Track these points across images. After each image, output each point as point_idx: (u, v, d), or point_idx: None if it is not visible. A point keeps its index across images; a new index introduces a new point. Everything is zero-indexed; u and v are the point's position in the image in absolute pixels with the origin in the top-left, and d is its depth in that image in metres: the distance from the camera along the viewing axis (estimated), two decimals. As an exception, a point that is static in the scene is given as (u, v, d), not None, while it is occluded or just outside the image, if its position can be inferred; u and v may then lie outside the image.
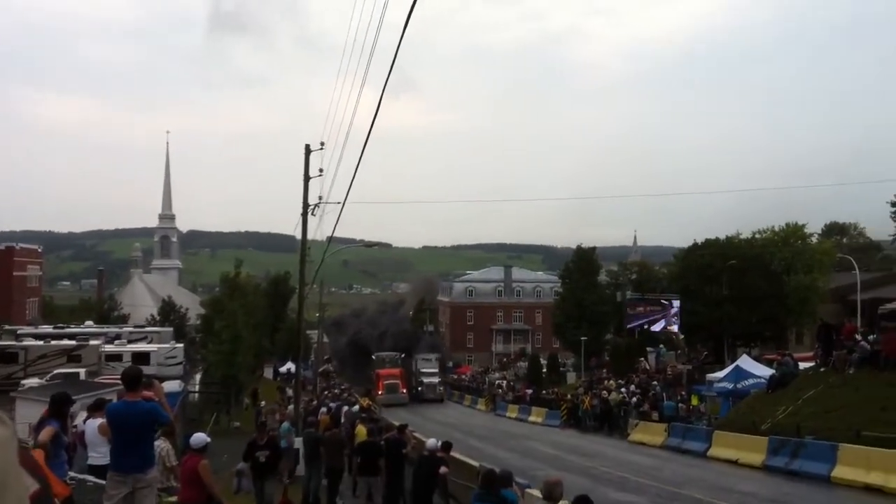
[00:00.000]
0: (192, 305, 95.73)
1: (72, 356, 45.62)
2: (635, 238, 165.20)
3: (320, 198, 29.47)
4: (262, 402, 45.11)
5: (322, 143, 28.52)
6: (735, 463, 25.84)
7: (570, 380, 74.60)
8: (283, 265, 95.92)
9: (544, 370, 79.06)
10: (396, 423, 21.73)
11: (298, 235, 30.82)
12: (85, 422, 13.79)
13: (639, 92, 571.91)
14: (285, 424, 25.40)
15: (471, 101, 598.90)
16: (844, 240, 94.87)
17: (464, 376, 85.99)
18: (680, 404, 41.39)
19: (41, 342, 48.52)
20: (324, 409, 33.24)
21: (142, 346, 51.05)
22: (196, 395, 48.27)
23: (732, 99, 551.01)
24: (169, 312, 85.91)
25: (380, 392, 59.82)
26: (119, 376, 10.79)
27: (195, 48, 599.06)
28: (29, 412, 19.97)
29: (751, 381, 36.57)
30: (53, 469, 8.94)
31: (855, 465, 20.63)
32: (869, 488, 19.65)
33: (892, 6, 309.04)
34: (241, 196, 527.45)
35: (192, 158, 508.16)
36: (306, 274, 32.59)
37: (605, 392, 45.31)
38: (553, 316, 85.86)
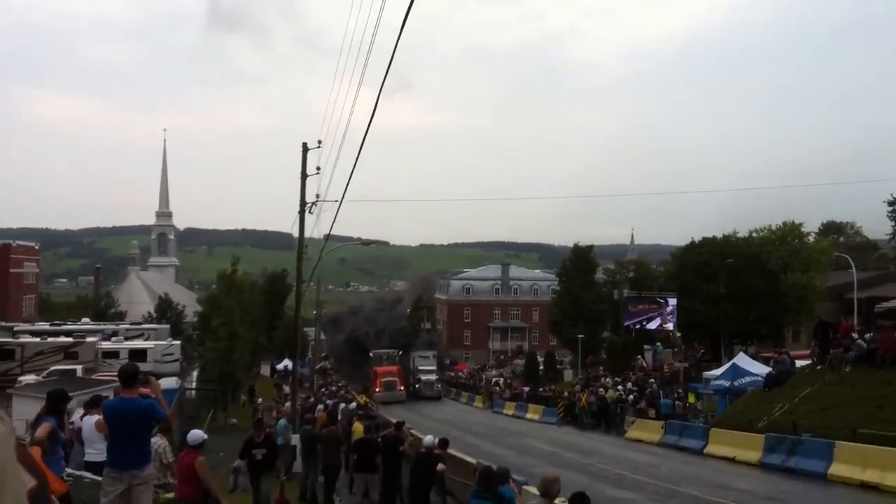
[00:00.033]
0: (189, 303, 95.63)
1: (68, 353, 45.54)
2: (632, 236, 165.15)
3: (317, 196, 29.49)
4: (259, 400, 45.12)
5: (319, 142, 28.54)
6: (732, 460, 25.87)
7: (567, 377, 74.66)
8: (280, 263, 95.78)
9: (541, 368, 79.08)
10: (394, 421, 21.75)
11: (296, 233, 30.82)
12: (82, 418, 13.78)
13: (637, 92, 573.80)
14: (282, 421, 25.41)
15: (469, 100, 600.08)
16: (841, 238, 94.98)
17: (461, 374, 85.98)
18: (677, 402, 41.42)
19: (38, 339, 48.44)
20: (321, 407, 33.31)
21: (138, 343, 51.01)
22: (193, 392, 48.29)
23: (731, 99, 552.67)
24: (166, 310, 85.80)
25: (377, 389, 59.83)
26: (116, 373, 10.77)
27: (193, 47, 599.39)
28: (26, 409, 19.96)
29: (747, 378, 36.60)
30: (50, 466, 8.93)
31: (851, 463, 20.67)
32: (865, 486, 19.69)
33: (892, 6, 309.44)
34: (239, 194, 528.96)
35: (189, 156, 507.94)
36: (303, 271, 32.61)
37: (602, 389, 45.36)
38: (550, 314, 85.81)
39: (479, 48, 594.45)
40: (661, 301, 70.15)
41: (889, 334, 28.14)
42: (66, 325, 56.27)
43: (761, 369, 36.83)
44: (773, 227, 70.30)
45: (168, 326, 66.83)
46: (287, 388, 44.36)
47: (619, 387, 46.13)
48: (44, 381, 31.93)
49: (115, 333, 53.87)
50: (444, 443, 17.24)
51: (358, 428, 21.97)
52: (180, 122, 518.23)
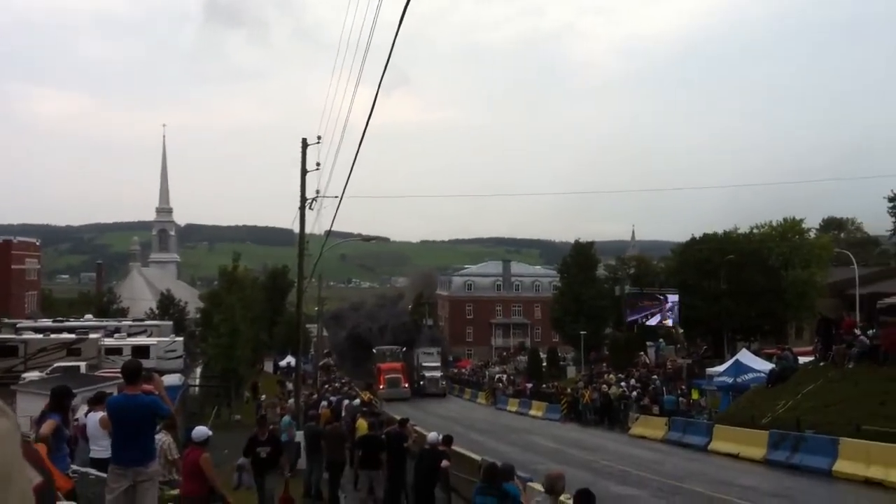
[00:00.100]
0: (191, 299, 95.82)
1: (71, 350, 45.65)
2: (633, 233, 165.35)
3: (318, 192, 29.44)
4: (263, 396, 45.11)
5: (319, 138, 28.49)
6: (736, 457, 25.85)
7: (569, 374, 74.62)
8: (281, 259, 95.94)
9: (544, 364, 79.05)
10: (398, 417, 21.74)
11: (296, 229, 30.81)
12: (86, 415, 13.75)
13: (637, 89, 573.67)
14: (286, 418, 25.38)
15: (469, 97, 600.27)
16: (842, 235, 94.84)
17: (464, 370, 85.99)
18: (680, 398, 41.41)
19: (41, 335, 48.51)
20: (324, 403, 33.22)
21: (141, 340, 51.13)
22: (196, 388, 48.31)
23: (731, 96, 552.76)
24: (168, 306, 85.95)
25: (381, 386, 59.03)
26: (119, 370, 10.78)
27: (192, 44, 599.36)
28: (30, 406, 19.96)
29: (750, 375, 36.57)
30: (55, 462, 8.91)
31: (855, 460, 20.64)
32: (869, 482, 19.66)
33: (892, 4, 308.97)
34: (239, 190, 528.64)
35: (189, 152, 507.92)
36: (305, 268, 32.59)
37: (605, 386, 45.31)
38: (551, 310, 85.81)
39: (479, 45, 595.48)
40: (661, 297, 70.14)
41: (892, 330, 28.09)
42: (69, 321, 56.28)
43: (764, 366, 36.79)
44: (774, 224, 70.27)
45: (171, 323, 66.97)
46: (290, 385, 44.32)
47: (623, 383, 46.06)
48: (47, 378, 32.04)
49: (117, 330, 53.97)
50: (448, 439, 17.21)
51: (362, 424, 21.91)
52: (180, 119, 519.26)
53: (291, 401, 33.99)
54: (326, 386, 58.00)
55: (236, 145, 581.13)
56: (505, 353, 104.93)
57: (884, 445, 20.12)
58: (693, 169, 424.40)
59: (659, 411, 38.33)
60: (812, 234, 73.58)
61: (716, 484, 20.52)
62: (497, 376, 72.02)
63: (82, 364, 41.58)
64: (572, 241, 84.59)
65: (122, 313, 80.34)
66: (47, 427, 9.80)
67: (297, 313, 35.51)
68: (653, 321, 69.96)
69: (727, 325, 63.44)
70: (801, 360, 34.17)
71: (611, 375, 52.52)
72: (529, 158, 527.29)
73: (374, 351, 69.64)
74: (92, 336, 48.10)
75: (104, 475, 9.30)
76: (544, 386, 57.71)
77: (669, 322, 69.18)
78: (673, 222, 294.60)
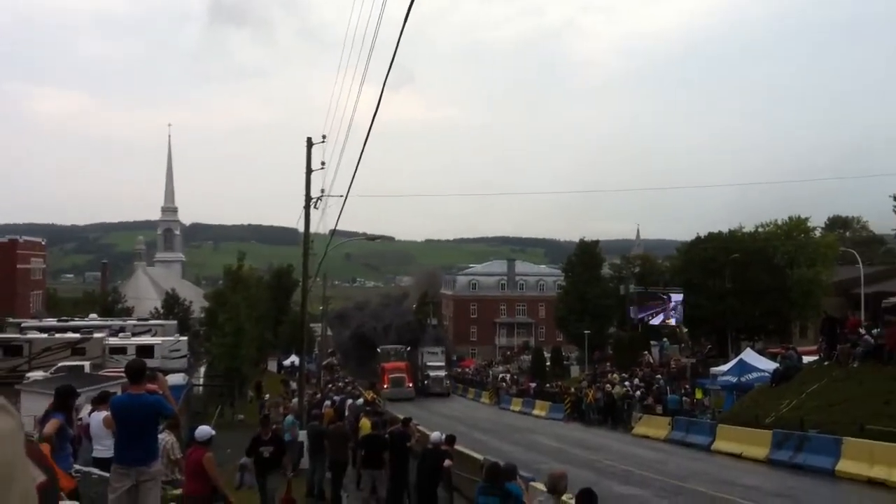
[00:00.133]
0: (195, 298, 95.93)
1: (76, 349, 45.71)
2: (638, 232, 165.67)
3: (322, 191, 29.44)
4: (266, 395, 45.15)
5: (324, 137, 28.48)
6: (739, 457, 25.85)
7: (573, 373, 74.69)
8: (285, 258, 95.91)
9: (548, 363, 79.04)
10: (401, 417, 21.76)
11: (301, 228, 30.80)
12: (90, 414, 13.80)
13: (640, 88, 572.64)
14: (289, 418, 25.40)
15: (473, 96, 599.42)
16: (847, 233, 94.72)
17: (467, 370, 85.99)
18: (684, 398, 41.37)
19: (45, 335, 48.59)
20: (328, 403, 33.31)
21: (146, 339, 51.17)
22: (200, 387, 48.36)
23: (733, 95, 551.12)
24: (173, 305, 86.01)
25: (385, 386, 58.80)
26: (123, 369, 10.81)
27: (196, 42, 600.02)
28: (34, 405, 20.02)
29: (754, 374, 36.55)
30: (58, 462, 8.94)
31: (858, 459, 20.62)
32: (872, 482, 19.64)
33: (892, 4, 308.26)
34: (244, 189, 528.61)
35: (194, 152, 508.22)
36: (309, 267, 32.60)
37: (608, 385, 45.34)
38: (556, 309, 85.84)
39: (481, 44, 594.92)
40: (664, 297, 70.11)
41: (896, 330, 28.05)
42: (74, 321, 56.36)
43: (768, 365, 36.75)
44: (779, 222, 70.29)
45: (175, 322, 67.01)
46: (294, 384, 44.35)
47: (626, 383, 46.07)
48: (51, 378, 32.06)
49: (122, 329, 53.99)
50: (451, 439, 17.23)
51: (365, 424, 21.92)
52: (185, 118, 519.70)
53: (295, 400, 34.03)
54: (330, 385, 57.97)
55: (241, 144, 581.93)
56: (509, 353, 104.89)
57: (887, 445, 20.09)
58: (697, 167, 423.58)
59: (662, 411, 38.30)
60: (817, 233, 73.63)
61: (719, 484, 20.52)
62: (501, 376, 72.05)
63: (86, 363, 41.59)
64: (577, 240, 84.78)
65: (127, 313, 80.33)
66: (51, 426, 9.83)
67: (301, 312, 35.53)
68: (656, 320, 69.94)
69: (732, 324, 63.37)
70: (806, 359, 34.13)
71: (614, 375, 52.52)
72: (534, 157, 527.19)
73: (378, 350, 69.52)
74: (96, 335, 48.14)
75: (107, 475, 9.33)
76: (548, 385, 57.74)
77: (672, 321, 69.13)
78: (678, 221, 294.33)
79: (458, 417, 45.54)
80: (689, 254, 71.77)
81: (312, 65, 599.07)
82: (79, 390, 12.77)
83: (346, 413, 28.34)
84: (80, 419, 14.01)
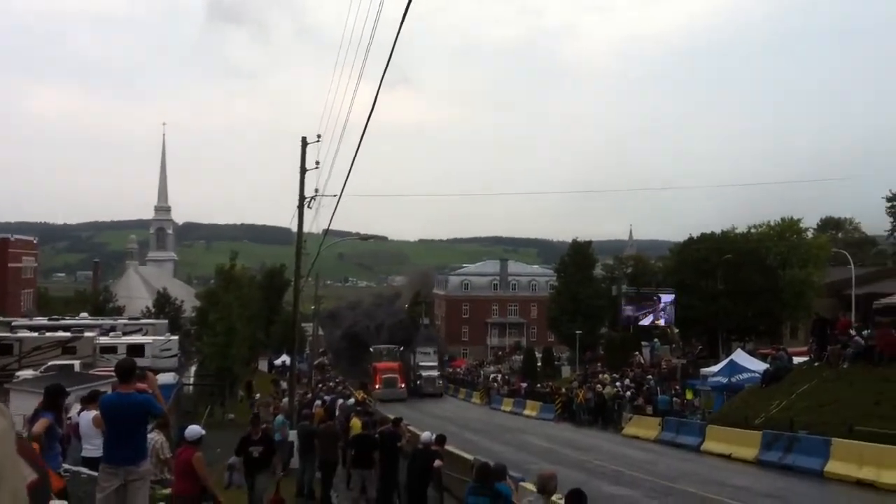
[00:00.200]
0: (187, 297, 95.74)
1: (66, 348, 45.50)
2: (631, 232, 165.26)
3: (316, 190, 29.45)
4: (257, 395, 45.10)
5: (319, 136, 28.49)
6: (728, 457, 25.90)
7: (564, 374, 74.70)
8: (278, 257, 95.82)
9: (539, 364, 79.09)
10: (391, 417, 21.76)
11: (294, 228, 30.80)
12: (79, 414, 13.76)
13: (635, 89, 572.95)
14: (279, 417, 25.40)
15: (467, 95, 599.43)
16: (840, 234, 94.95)
17: (459, 370, 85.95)
18: (674, 398, 41.47)
19: (36, 334, 48.41)
20: (318, 402, 33.24)
21: (137, 339, 50.96)
22: (191, 387, 48.28)
23: (728, 96, 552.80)
24: (164, 304, 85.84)
25: (377, 386, 58.09)
26: (113, 368, 10.79)
27: (191, 41, 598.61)
28: (23, 404, 19.92)
29: (745, 375, 36.59)
30: (48, 461, 8.91)
31: (847, 461, 20.69)
32: (861, 483, 19.71)
33: (890, 6, 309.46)
34: (237, 189, 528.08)
35: (188, 150, 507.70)
36: (302, 266, 32.58)
37: (599, 386, 45.37)
38: (548, 310, 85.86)
39: (475, 43, 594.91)
40: (655, 298, 70.20)
41: (887, 331, 28.13)
42: (64, 319, 56.17)
43: (759, 366, 36.82)
44: (772, 223, 70.38)
45: (166, 321, 66.81)
46: (285, 384, 44.30)
47: (617, 383, 46.15)
48: (41, 376, 31.92)
49: (113, 328, 53.81)
50: (441, 439, 17.23)
51: (356, 424, 21.92)
52: (179, 117, 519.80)
53: (285, 400, 33.99)
54: (321, 385, 57.79)
55: (235, 144, 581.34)
56: (500, 353, 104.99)
57: (876, 446, 20.17)
58: (691, 168, 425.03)
59: (653, 411, 38.36)
60: (810, 234, 73.72)
61: (708, 484, 20.57)
62: (492, 376, 72.03)
63: (77, 362, 41.44)
64: (570, 240, 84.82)
65: (118, 312, 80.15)
66: (40, 425, 9.82)
67: (293, 312, 35.47)
68: (646, 321, 70.05)
69: (723, 324, 63.50)
70: (796, 360, 34.19)
71: (605, 375, 52.58)
72: (528, 157, 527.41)
73: (370, 350, 69.26)
74: (87, 334, 47.94)
75: (96, 474, 9.32)
76: (539, 386, 57.73)
77: (662, 322, 69.24)
78: (671, 222, 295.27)
79: (449, 417, 45.52)
80: (681, 254, 71.85)
81: (309, 64, 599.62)
82: (69, 389, 12.75)
83: (337, 413, 28.29)
84: (70, 418, 13.98)
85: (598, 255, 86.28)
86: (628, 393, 42.84)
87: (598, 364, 67.20)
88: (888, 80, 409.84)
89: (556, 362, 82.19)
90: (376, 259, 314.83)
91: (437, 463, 15.92)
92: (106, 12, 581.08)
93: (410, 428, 22.57)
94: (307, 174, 28.96)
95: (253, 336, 59.13)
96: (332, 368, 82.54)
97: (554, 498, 10.11)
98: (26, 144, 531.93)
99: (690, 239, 71.59)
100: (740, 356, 40.96)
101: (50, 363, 41.01)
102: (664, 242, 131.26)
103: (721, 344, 63.60)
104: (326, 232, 32.92)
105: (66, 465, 11.41)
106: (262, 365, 76.78)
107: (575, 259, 79.49)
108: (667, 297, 68.28)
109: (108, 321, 58.81)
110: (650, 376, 49.68)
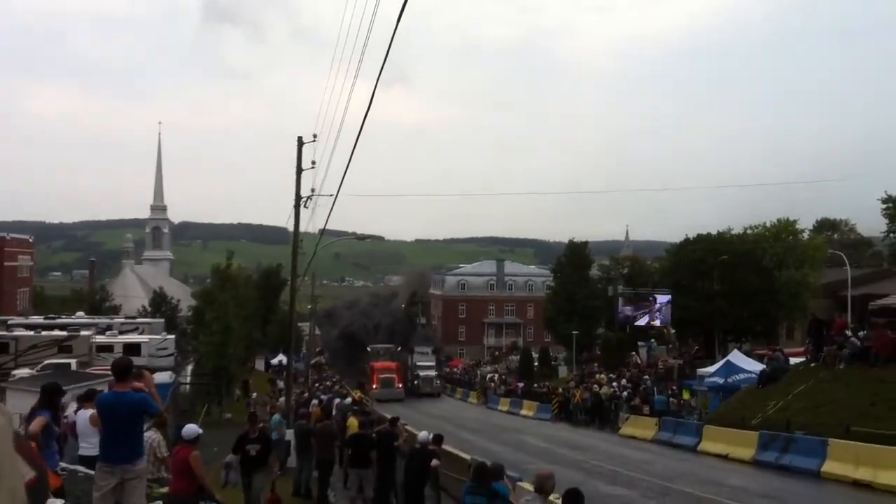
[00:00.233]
0: (183, 297, 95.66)
1: (63, 347, 45.48)
2: (627, 233, 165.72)
3: (313, 190, 29.46)
4: (254, 394, 45.09)
5: (315, 136, 28.47)
6: (725, 458, 25.92)
7: (561, 374, 74.73)
8: (275, 257, 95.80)
9: (536, 364, 79.13)
10: (388, 416, 21.75)
11: (291, 227, 30.78)
12: (76, 412, 13.72)
13: (632, 90, 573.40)
14: (276, 416, 25.40)
15: (467, 95, 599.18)
16: (836, 235, 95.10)
17: (455, 369, 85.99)
18: (671, 399, 41.48)
19: (32, 332, 48.37)
20: (315, 402, 33.23)
21: (133, 337, 50.91)
22: (187, 386, 48.22)
23: (726, 97, 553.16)
24: (160, 304, 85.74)
25: (374, 386, 57.85)
26: (109, 367, 10.75)
27: (188, 41, 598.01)
28: (20, 403, 19.88)
29: (741, 375, 36.61)
30: (45, 459, 8.90)
31: (844, 461, 20.70)
32: (857, 484, 19.73)
33: (889, 6, 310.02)
34: (234, 188, 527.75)
35: (184, 150, 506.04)
36: (298, 266, 32.55)
37: (596, 386, 45.41)
38: (545, 310, 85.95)
39: (474, 43, 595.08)
40: (651, 299, 70.25)
41: (882, 332, 28.19)
42: (61, 318, 56.11)
43: (755, 366, 36.83)
44: (768, 224, 70.49)
45: (162, 321, 66.74)
46: (281, 383, 44.27)
47: (614, 383, 46.18)
48: (38, 375, 31.90)
49: (109, 327, 53.74)
50: (438, 439, 17.22)
51: (353, 423, 21.90)
52: (176, 116, 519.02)
53: (282, 399, 33.97)
54: (317, 384, 57.77)
55: (231, 143, 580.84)
56: (497, 353, 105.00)
57: (872, 447, 20.19)
58: (690, 169, 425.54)
59: (649, 411, 38.37)
60: (806, 235, 73.78)
61: (705, 484, 20.57)
62: (489, 376, 72.12)
63: (73, 361, 41.45)
64: (566, 240, 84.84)
65: (115, 311, 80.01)
66: (36, 424, 9.79)
67: (290, 311, 35.47)
68: (642, 321, 70.09)
69: (720, 325, 63.55)
70: (792, 360, 34.24)
71: (602, 375, 52.62)
72: (527, 158, 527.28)
73: (368, 349, 69.11)
74: (83, 333, 47.91)
75: (93, 472, 9.30)
76: (536, 385, 57.77)
77: (658, 322, 69.30)
78: (667, 223, 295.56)
79: (446, 417, 45.52)
80: (678, 255, 71.89)
81: (305, 64, 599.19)
82: (65, 388, 12.71)
83: (334, 412, 28.28)
84: (66, 417, 13.95)
85: (595, 256, 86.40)
86: (625, 393, 42.86)
87: (595, 364, 67.21)
88: (888, 80, 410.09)
89: (552, 362, 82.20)
90: (373, 259, 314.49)
91: (434, 462, 15.91)
92: (106, 12, 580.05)
93: (407, 427, 22.56)
94: (304, 174, 28.97)
95: (249, 335, 59.09)
96: (328, 368, 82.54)
97: (551, 497, 10.09)
98: (26, 144, 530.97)
99: (687, 240, 71.62)
100: (737, 357, 40.96)
101: (46, 362, 41.02)
102: (660, 243, 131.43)
103: (717, 344, 63.67)
104: (323, 231, 32.92)
105: (63, 464, 11.38)
106: (259, 364, 76.72)
107: (571, 259, 79.54)
108: (663, 298, 68.26)
109: (104, 320, 58.74)
110: (647, 376, 49.74)
